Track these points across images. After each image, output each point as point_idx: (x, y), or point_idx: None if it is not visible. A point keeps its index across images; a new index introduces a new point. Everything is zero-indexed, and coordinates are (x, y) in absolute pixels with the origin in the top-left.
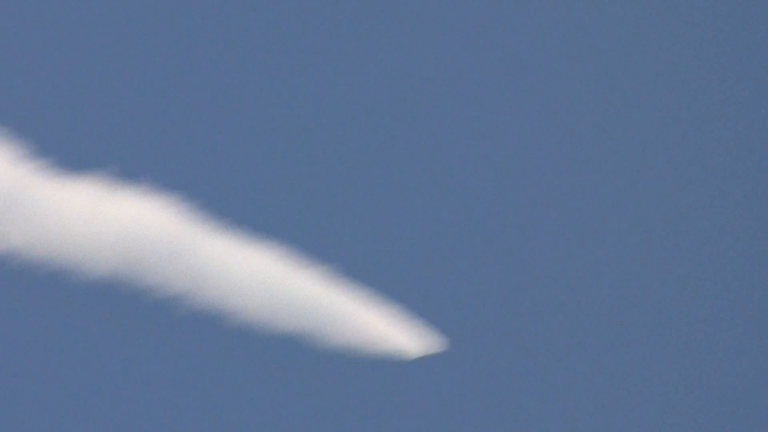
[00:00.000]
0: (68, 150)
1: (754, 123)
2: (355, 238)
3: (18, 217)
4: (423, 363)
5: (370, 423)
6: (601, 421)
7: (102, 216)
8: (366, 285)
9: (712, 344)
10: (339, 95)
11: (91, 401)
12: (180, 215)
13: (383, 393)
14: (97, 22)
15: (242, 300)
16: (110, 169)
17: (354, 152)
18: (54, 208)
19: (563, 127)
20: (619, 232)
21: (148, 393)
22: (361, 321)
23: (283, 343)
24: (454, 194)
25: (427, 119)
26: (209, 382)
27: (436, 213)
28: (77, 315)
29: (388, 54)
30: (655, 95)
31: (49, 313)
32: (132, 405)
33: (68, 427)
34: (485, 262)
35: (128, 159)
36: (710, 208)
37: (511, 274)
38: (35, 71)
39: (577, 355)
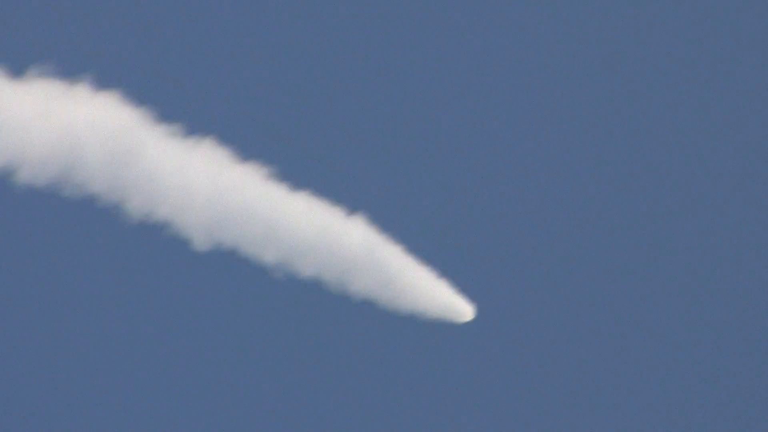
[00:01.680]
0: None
1: (754, 123)
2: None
3: None
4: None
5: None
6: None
7: (49, 117)
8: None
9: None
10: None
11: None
12: (130, 117)
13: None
14: None
15: (195, 215)
16: (55, 67)
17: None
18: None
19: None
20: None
21: (89, 304)
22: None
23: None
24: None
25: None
26: (150, 294)
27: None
28: (19, 220)
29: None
30: (655, 95)
31: None
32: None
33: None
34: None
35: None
36: (710, 209)
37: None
38: None
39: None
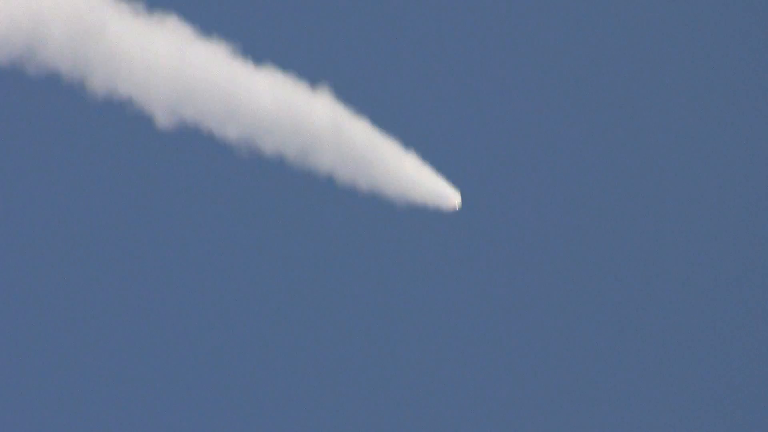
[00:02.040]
0: None
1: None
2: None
3: None
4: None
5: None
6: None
7: None
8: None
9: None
10: None
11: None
12: None
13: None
14: None
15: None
16: None
17: None
18: None
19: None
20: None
21: (51, 181)
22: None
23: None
24: None
25: None
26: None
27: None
28: None
29: None
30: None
31: None
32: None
33: None
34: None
35: None
36: (711, 209)
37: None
38: None
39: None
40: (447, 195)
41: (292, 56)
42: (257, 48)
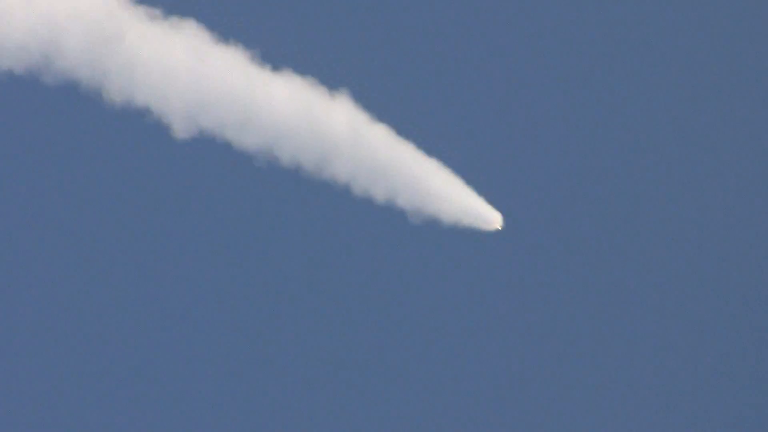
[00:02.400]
0: None
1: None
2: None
3: None
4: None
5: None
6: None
7: (30, 2)
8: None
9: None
10: None
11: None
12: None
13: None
14: None
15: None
16: None
17: None
18: None
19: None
20: None
21: (68, 190)
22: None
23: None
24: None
25: None
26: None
27: None
28: None
29: None
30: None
31: None
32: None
33: None
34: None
35: None
36: (711, 209)
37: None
38: None
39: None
40: (482, 212)
41: (311, 61)
42: (275, 53)
